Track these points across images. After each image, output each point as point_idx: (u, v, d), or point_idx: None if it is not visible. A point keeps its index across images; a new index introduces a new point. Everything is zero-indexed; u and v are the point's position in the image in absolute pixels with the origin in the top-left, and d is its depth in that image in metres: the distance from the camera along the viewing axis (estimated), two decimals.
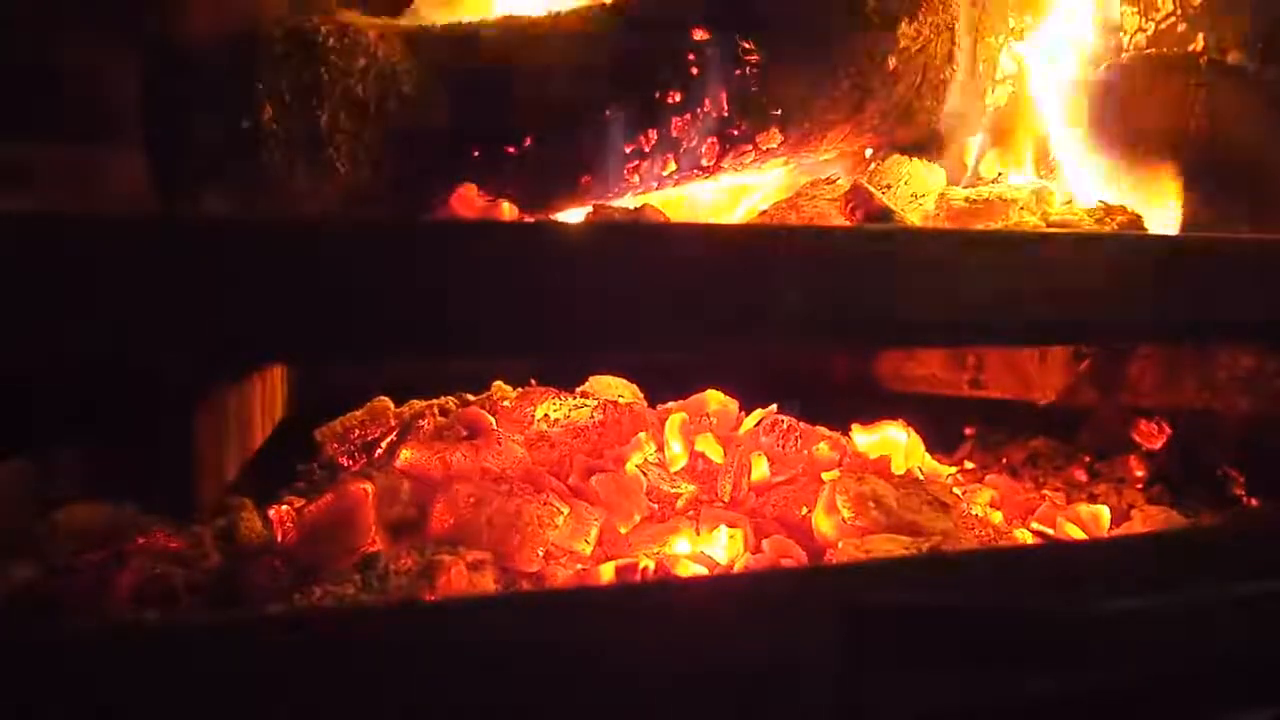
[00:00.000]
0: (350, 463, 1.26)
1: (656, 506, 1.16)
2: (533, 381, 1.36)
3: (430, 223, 1.06)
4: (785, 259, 0.85)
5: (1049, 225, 1.16)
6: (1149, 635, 0.87)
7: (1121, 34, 1.48)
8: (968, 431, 1.66)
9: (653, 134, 1.17)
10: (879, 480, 1.11)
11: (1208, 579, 0.91)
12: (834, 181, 1.23)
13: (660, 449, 1.24)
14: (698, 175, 1.25)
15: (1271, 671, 0.89)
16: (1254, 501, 1.34)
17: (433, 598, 0.92)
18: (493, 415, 1.26)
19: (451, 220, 1.05)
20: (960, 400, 1.67)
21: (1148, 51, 1.44)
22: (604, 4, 1.23)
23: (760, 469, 1.20)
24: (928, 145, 1.35)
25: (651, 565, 1.03)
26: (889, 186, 1.27)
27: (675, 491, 1.18)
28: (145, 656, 0.70)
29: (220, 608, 0.93)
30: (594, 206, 1.14)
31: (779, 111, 1.22)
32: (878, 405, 1.42)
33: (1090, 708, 0.85)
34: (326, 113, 1.08)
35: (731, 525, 1.09)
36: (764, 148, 1.24)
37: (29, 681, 0.68)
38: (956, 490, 1.29)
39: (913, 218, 1.20)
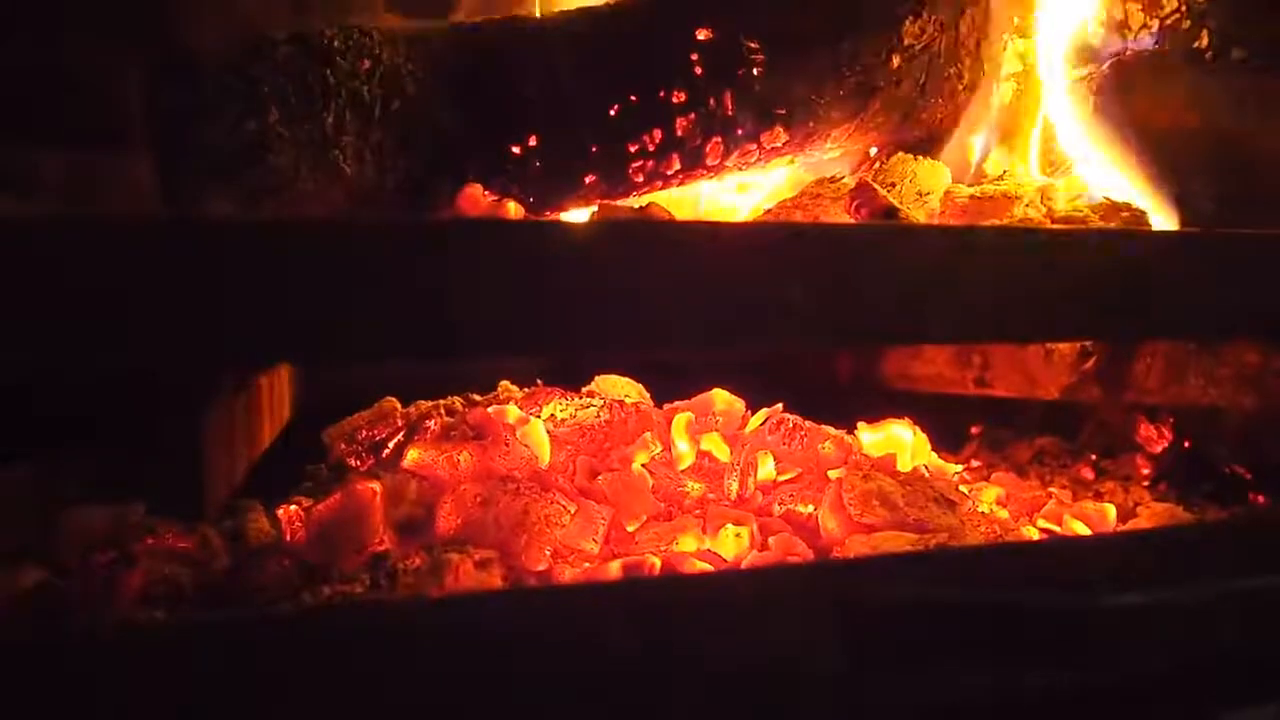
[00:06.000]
0: (358, 463, 1.26)
1: (663, 505, 1.16)
2: (539, 381, 1.36)
3: (436, 222, 1.06)
4: (790, 257, 0.85)
5: (1054, 222, 1.17)
6: (1154, 631, 0.87)
7: (1126, 31, 1.48)
8: (974, 430, 1.66)
9: (657, 133, 1.18)
10: (885, 478, 1.11)
11: (1213, 575, 0.91)
12: (839, 180, 1.23)
13: (666, 448, 1.24)
14: (703, 174, 1.25)
15: (1277, 668, 0.89)
16: (1261, 499, 1.34)
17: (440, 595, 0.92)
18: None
19: (458, 220, 1.05)
20: (966, 399, 1.66)
21: (1153, 48, 1.44)
22: (609, 3, 1.23)
23: (766, 467, 1.20)
24: (932, 143, 1.35)
25: (658, 563, 1.03)
26: (894, 184, 1.27)
27: (682, 490, 1.18)
28: (153, 656, 0.70)
29: (229, 608, 0.93)
30: (599, 205, 1.15)
31: (783, 110, 1.22)
32: (884, 404, 1.42)
33: (1096, 703, 0.85)
34: (332, 114, 1.08)
35: (738, 523, 1.09)
36: (769, 147, 1.24)
37: (37, 682, 0.68)
38: (963, 488, 1.29)
39: (918, 215, 1.20)
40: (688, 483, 1.19)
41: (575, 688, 0.75)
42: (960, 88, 1.37)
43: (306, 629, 0.76)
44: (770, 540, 1.09)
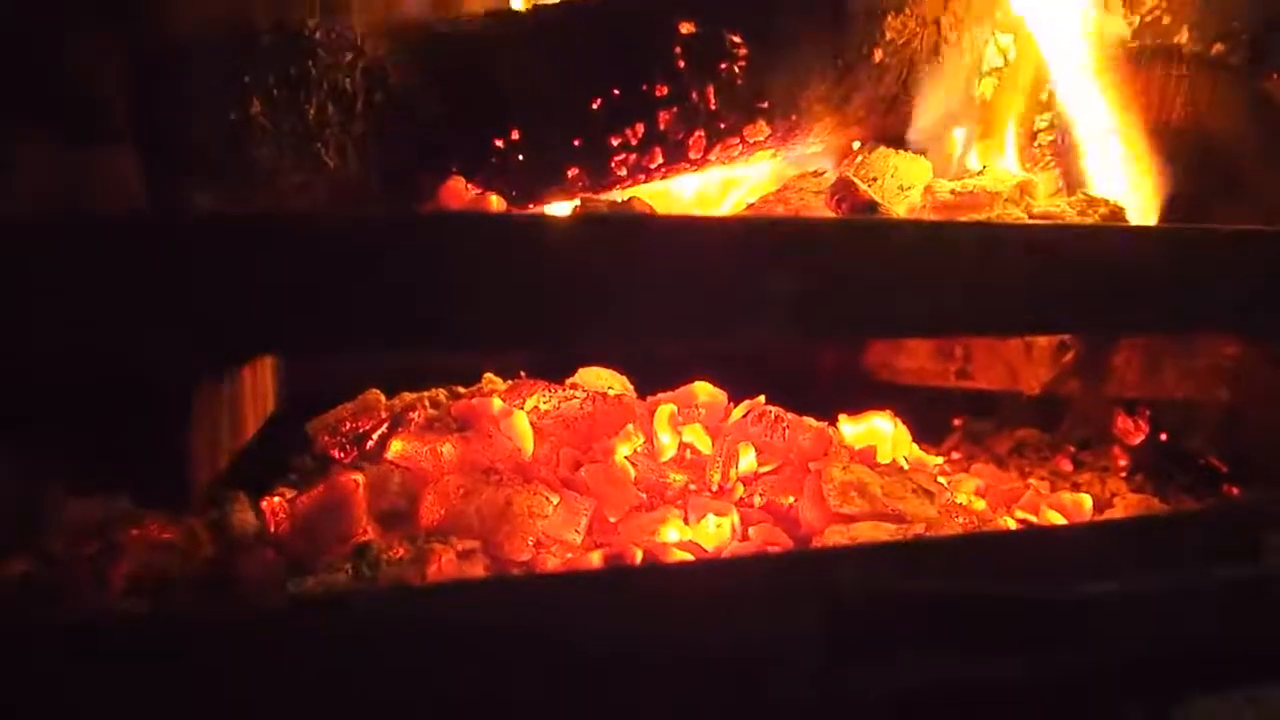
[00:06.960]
0: (341, 455, 1.26)
1: (645, 496, 1.17)
2: (522, 374, 1.36)
3: (419, 216, 1.06)
4: (772, 250, 0.86)
5: (1032, 217, 1.18)
6: (1128, 619, 0.89)
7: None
8: (955, 422, 1.67)
9: (640, 127, 1.18)
10: (864, 469, 1.12)
11: (1184, 564, 0.92)
12: (821, 174, 1.24)
13: (649, 440, 1.25)
14: (685, 167, 1.25)
15: (1245, 654, 0.91)
16: (1235, 490, 1.36)
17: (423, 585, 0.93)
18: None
19: (440, 213, 1.06)
20: (948, 391, 1.68)
21: (1132, 44, 1.45)
22: None
23: (748, 459, 1.21)
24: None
25: (640, 554, 1.04)
26: (875, 179, 1.27)
27: (664, 481, 1.19)
28: (139, 647, 0.71)
29: (214, 598, 0.93)
30: (582, 199, 1.15)
31: (766, 105, 1.23)
32: (866, 396, 1.43)
33: (1068, 689, 0.86)
34: (314, 106, 1.08)
35: (719, 514, 1.10)
36: (751, 140, 1.25)
37: (23, 672, 0.69)
38: (942, 479, 1.31)
39: (899, 210, 1.21)
40: (670, 474, 1.20)
41: (557, 676, 0.76)
42: (942, 82, 1.37)
43: (291, 619, 0.77)
44: (751, 531, 1.10)
